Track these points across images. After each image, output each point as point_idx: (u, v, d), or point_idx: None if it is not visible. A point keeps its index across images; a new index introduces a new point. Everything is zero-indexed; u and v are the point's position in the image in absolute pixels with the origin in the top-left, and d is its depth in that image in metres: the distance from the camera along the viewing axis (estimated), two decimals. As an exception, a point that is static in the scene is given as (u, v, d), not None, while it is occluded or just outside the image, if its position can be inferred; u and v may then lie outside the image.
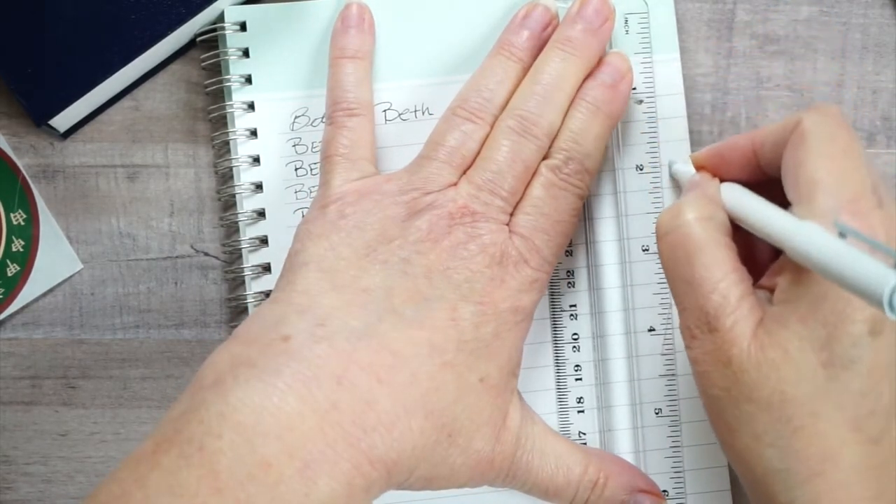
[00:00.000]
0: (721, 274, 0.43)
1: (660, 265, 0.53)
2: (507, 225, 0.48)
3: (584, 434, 0.54)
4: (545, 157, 0.49)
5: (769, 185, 0.46)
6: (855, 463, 0.42)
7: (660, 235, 0.45)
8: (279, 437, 0.41)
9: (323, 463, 0.41)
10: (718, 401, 0.44)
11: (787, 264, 0.43)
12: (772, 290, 0.43)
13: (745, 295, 0.43)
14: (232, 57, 0.54)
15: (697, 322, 0.44)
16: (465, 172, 0.49)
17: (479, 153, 0.49)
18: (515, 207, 0.49)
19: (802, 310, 0.41)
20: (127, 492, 0.40)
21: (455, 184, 0.48)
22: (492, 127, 0.49)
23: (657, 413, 0.53)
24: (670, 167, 0.53)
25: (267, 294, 0.53)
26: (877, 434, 0.42)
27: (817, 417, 0.42)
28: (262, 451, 0.41)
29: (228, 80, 0.54)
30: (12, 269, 0.55)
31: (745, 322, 0.43)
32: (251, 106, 0.54)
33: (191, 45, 0.56)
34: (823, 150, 0.43)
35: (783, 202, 0.44)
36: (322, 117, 0.54)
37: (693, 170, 0.50)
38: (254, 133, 0.54)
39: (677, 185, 0.53)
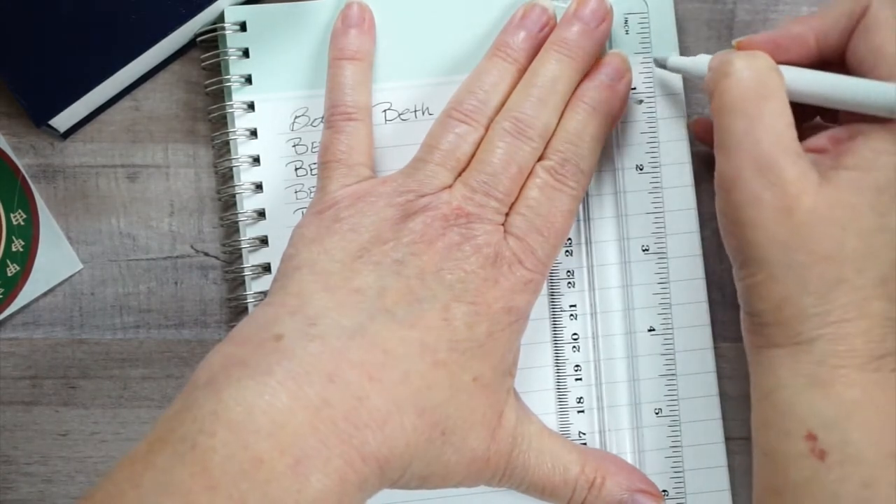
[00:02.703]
0: (785, 124, 0.45)
1: (659, 265, 0.53)
2: (502, 226, 0.48)
3: (584, 434, 0.53)
4: (541, 158, 0.49)
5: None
6: (877, 313, 0.45)
7: (730, 72, 0.46)
8: (271, 434, 0.41)
9: (315, 459, 0.41)
10: (764, 248, 0.45)
11: (861, 133, 0.46)
12: (819, 152, 0.46)
13: (803, 152, 0.46)
14: (232, 57, 0.54)
15: (756, 166, 0.45)
16: (460, 174, 0.49)
17: (474, 155, 0.49)
18: (510, 208, 0.49)
19: (877, 180, 0.45)
20: (121, 491, 0.40)
21: (450, 186, 0.48)
22: (487, 129, 0.49)
23: (657, 413, 0.53)
24: (663, 61, 0.53)
25: (266, 294, 0.53)
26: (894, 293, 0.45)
27: (860, 273, 0.45)
28: (254, 449, 0.41)
29: (228, 81, 0.54)
30: (12, 269, 0.55)
31: (808, 176, 0.45)
32: (251, 106, 0.54)
33: (191, 45, 0.56)
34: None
35: None
36: (322, 117, 0.54)
37: (706, 59, 0.50)
38: (254, 133, 0.54)
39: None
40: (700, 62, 0.50)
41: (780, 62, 0.48)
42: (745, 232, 0.45)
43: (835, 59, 0.48)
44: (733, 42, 0.49)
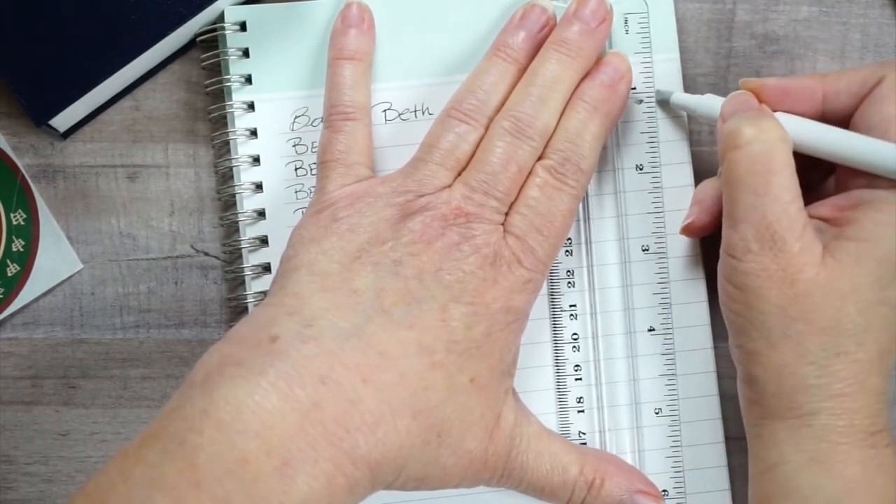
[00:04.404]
0: (791, 197, 0.46)
1: (659, 265, 0.53)
2: (502, 225, 0.48)
3: (584, 434, 0.53)
4: (541, 158, 0.49)
5: None
6: (874, 388, 0.46)
7: (738, 144, 0.47)
8: (257, 435, 0.41)
9: (302, 461, 0.42)
10: (765, 316, 0.46)
11: (864, 203, 0.47)
12: (823, 220, 0.48)
13: (809, 222, 0.47)
14: (232, 57, 0.54)
15: (759, 237, 0.46)
16: (459, 174, 0.49)
17: (473, 155, 0.49)
18: (510, 208, 0.48)
19: (879, 252, 0.46)
20: (112, 484, 0.41)
21: (449, 186, 0.48)
22: (486, 129, 0.49)
23: (657, 413, 0.53)
24: (667, 97, 0.53)
25: (266, 294, 0.53)
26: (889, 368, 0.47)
27: (861, 346, 0.46)
28: (240, 448, 0.41)
29: (228, 80, 0.54)
30: (12, 269, 0.55)
31: (812, 248, 0.46)
32: (251, 106, 0.54)
33: (191, 45, 0.56)
34: None
35: None
36: (322, 117, 0.54)
37: (714, 101, 0.50)
38: (254, 133, 0.54)
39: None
40: (706, 103, 0.51)
41: (784, 111, 0.49)
42: (748, 298, 0.46)
43: (836, 120, 0.49)
44: (740, 82, 0.50)
